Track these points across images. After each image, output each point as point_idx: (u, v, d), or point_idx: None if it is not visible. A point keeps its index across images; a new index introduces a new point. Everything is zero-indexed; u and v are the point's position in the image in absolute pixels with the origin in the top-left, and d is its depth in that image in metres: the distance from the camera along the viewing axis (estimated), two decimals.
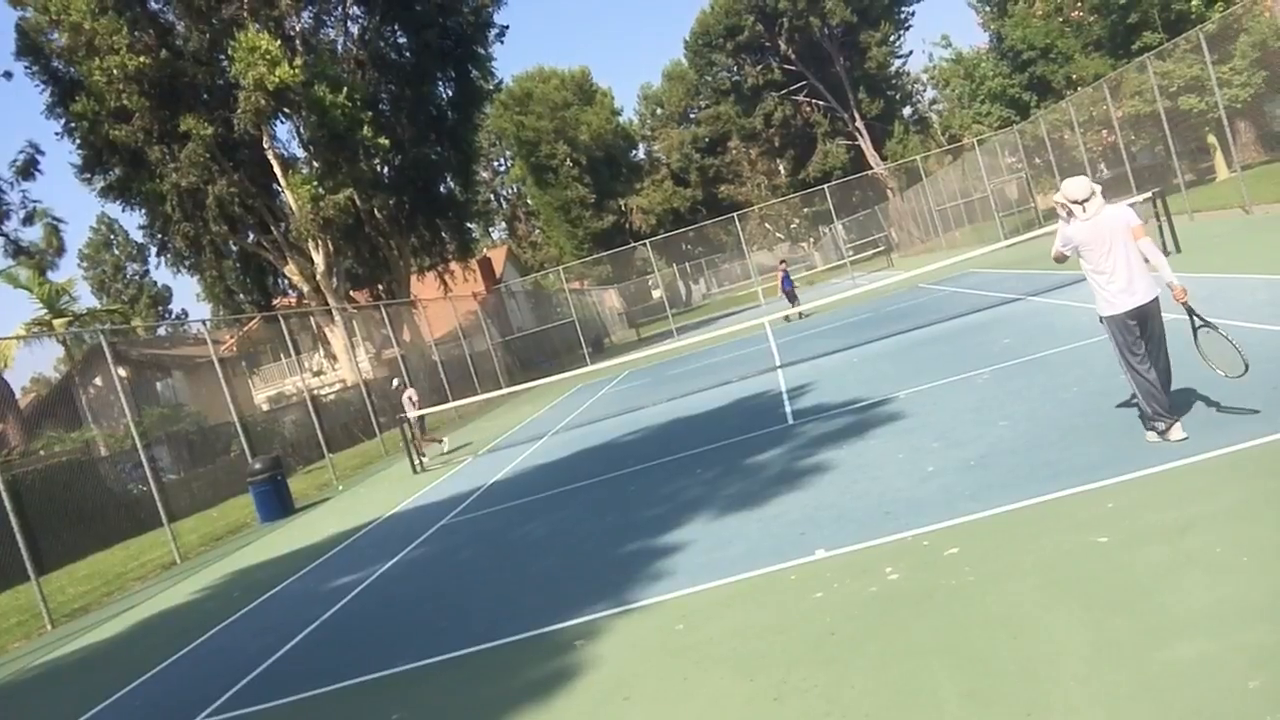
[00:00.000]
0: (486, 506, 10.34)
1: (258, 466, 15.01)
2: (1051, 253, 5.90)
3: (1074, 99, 26.22)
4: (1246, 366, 5.18)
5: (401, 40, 31.19)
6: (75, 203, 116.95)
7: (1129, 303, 5.38)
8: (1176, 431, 5.38)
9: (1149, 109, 22.77)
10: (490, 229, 76.19)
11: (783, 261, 31.14)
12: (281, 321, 21.58)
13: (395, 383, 18.71)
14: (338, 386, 31.57)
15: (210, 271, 29.41)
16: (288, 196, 26.67)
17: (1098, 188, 5.56)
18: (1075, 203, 5.51)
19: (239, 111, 24.28)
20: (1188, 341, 5.49)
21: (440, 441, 17.34)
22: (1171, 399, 5.49)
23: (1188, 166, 25.32)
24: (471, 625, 6.00)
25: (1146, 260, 5.41)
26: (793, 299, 26.41)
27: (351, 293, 31.38)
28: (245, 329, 36.64)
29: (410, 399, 16.53)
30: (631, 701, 4.18)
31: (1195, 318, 5.39)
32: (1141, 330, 5.42)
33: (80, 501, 18.37)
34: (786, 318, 24.15)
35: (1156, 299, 5.40)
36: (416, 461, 15.72)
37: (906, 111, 63.52)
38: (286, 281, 30.37)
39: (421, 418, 16.87)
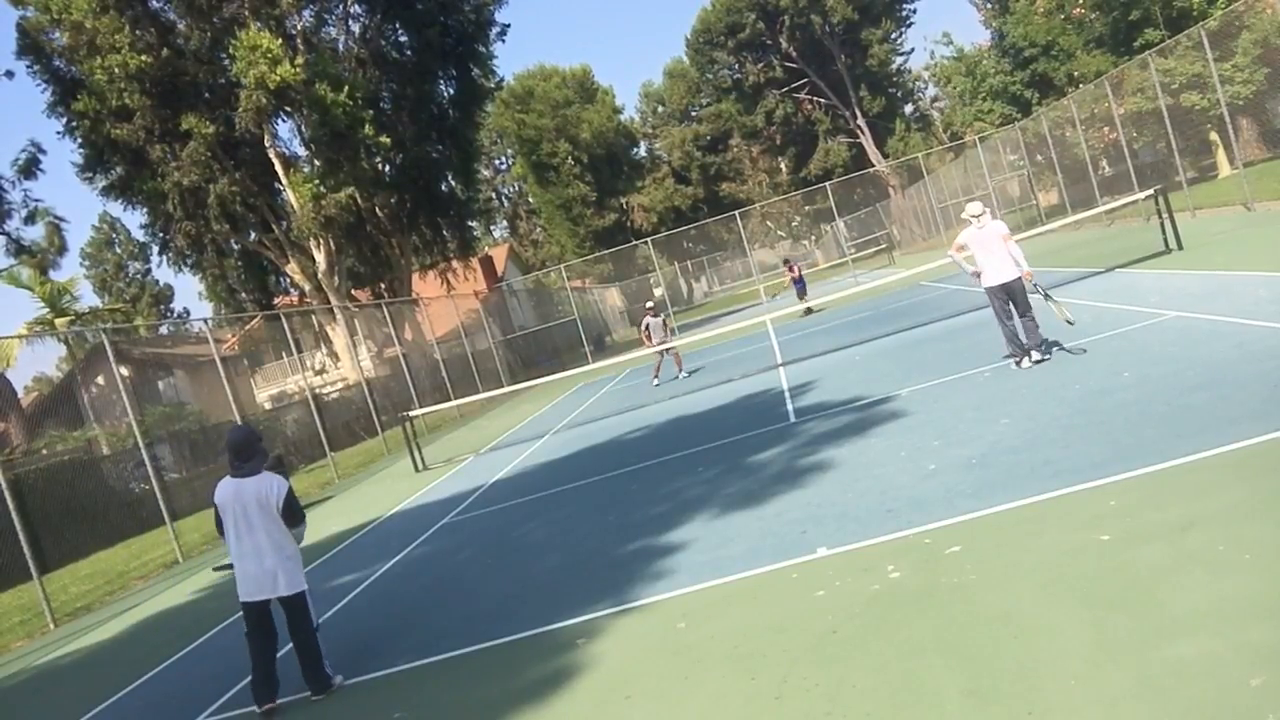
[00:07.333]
0: (487, 505, 10.35)
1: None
2: (953, 245, 9.18)
3: (1076, 96, 26.18)
4: (1071, 321, 8.82)
5: (403, 39, 31.17)
6: (77, 202, 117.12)
7: (1000, 279, 8.69)
8: (1025, 362, 8.68)
9: (1151, 106, 22.71)
10: (492, 227, 76.20)
11: (786, 260, 31.78)
12: (283, 320, 21.57)
13: (649, 304, 19.53)
14: (340, 385, 31.55)
15: (212, 270, 29.44)
16: (289, 195, 26.69)
17: (988, 209, 8.99)
18: (974, 216, 8.89)
19: (240, 110, 24.29)
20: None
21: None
22: (1042, 340, 8.78)
23: (1190, 163, 25.29)
24: (472, 624, 6.00)
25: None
26: (801, 294, 27.24)
27: (353, 291, 31.38)
28: (247, 328, 36.68)
29: (649, 327, 17.94)
30: (633, 701, 4.18)
31: (1041, 290, 8.98)
32: (1009, 297, 8.71)
33: (82, 500, 18.38)
34: (808, 310, 24.48)
35: (1019, 278, 8.64)
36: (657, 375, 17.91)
37: (908, 109, 63.50)
38: (288, 280, 30.40)
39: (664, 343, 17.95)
